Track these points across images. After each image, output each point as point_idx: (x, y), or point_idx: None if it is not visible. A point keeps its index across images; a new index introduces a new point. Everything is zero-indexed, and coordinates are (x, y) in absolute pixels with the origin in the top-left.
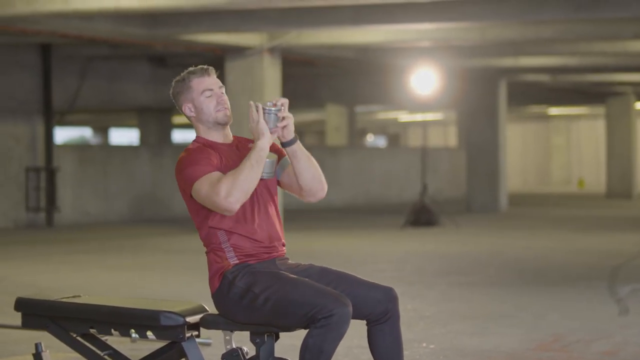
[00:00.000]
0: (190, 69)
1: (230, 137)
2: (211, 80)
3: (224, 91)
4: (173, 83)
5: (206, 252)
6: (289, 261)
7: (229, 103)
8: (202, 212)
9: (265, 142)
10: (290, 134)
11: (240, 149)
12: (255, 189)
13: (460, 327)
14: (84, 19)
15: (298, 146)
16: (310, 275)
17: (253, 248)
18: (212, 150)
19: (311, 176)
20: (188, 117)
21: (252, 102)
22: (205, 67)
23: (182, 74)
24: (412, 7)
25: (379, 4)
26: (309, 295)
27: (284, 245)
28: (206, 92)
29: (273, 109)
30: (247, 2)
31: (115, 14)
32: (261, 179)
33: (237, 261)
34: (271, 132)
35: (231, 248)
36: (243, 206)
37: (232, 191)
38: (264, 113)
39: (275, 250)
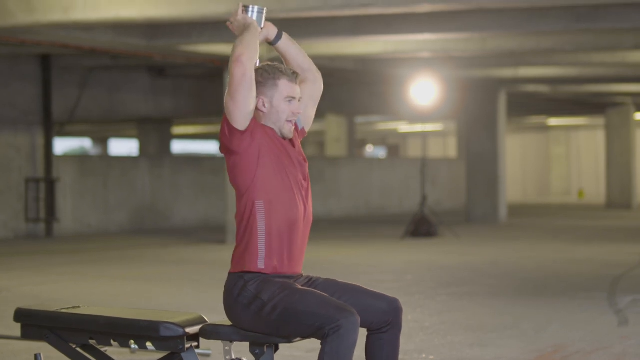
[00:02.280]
0: (280, 66)
1: None
2: (298, 89)
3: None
4: (259, 69)
5: (240, 228)
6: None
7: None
8: (248, 213)
9: (254, 25)
10: (273, 29)
11: (284, 143)
12: (304, 212)
13: (461, 338)
14: (83, 30)
15: (286, 36)
16: (316, 287)
17: (283, 264)
18: (261, 130)
19: (303, 56)
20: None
21: (240, 3)
22: (295, 72)
23: (270, 65)
24: (411, 18)
25: (378, 15)
26: (316, 307)
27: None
28: (289, 98)
29: (257, 7)
30: None
31: (115, 24)
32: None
33: (263, 267)
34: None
35: (264, 257)
36: (289, 228)
37: (245, 51)
38: (246, 12)
39: (298, 268)
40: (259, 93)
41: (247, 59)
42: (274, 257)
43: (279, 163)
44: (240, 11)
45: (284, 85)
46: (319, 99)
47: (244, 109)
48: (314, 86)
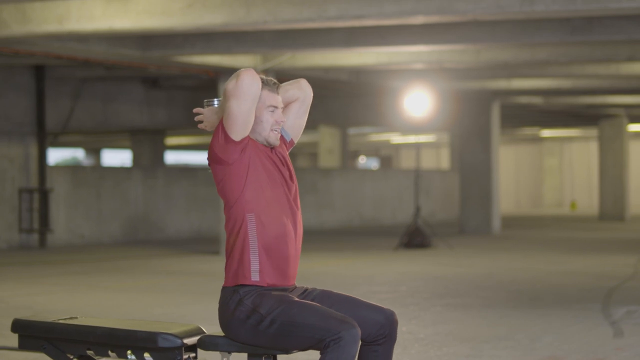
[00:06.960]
0: (262, 77)
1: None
2: (278, 98)
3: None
4: None
5: (230, 240)
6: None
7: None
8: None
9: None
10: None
11: (274, 158)
12: (294, 225)
13: (455, 349)
14: (78, 41)
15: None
16: (312, 298)
17: (277, 277)
18: (252, 144)
19: (291, 89)
20: None
21: (204, 102)
22: (276, 82)
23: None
24: (405, 30)
25: (372, 26)
26: (316, 319)
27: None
28: (271, 107)
29: (216, 100)
30: (241, 24)
31: (109, 35)
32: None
33: (258, 280)
34: None
35: (258, 271)
36: (280, 241)
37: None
38: (211, 104)
39: (292, 280)
40: None
41: (255, 73)
42: (267, 270)
43: (268, 177)
44: (205, 108)
45: (266, 95)
46: (309, 107)
47: (246, 118)
48: (304, 96)
